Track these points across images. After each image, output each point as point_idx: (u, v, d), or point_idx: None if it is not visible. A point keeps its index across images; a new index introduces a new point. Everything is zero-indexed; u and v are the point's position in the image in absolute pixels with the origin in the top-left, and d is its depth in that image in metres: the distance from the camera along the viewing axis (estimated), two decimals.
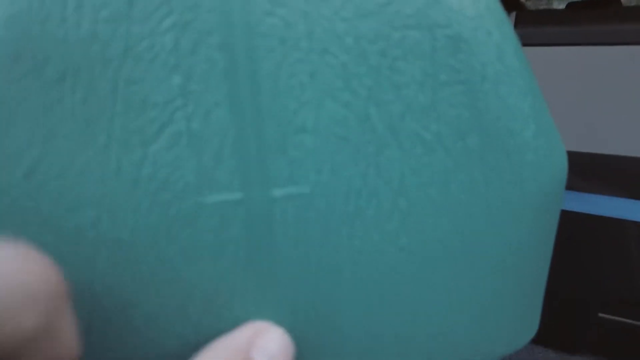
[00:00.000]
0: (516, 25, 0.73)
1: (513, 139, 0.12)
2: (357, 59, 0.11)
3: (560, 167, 0.14)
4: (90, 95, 0.10)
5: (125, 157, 0.11)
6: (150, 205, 0.11)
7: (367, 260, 0.12)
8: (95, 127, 0.11)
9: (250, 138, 0.11)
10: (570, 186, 0.72)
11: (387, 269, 0.12)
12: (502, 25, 0.12)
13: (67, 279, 0.12)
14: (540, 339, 0.88)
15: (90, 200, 0.11)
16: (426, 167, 0.12)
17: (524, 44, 0.72)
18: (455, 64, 0.11)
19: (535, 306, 0.15)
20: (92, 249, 0.11)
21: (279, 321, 0.12)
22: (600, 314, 0.75)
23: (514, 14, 0.74)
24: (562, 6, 2.16)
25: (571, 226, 0.72)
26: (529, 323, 0.15)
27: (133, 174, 0.11)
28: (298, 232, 0.12)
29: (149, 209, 0.11)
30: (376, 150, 0.11)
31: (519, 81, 0.12)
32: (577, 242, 0.72)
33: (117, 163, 0.11)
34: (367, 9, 0.11)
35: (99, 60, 0.10)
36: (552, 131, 0.14)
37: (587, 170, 0.71)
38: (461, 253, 0.13)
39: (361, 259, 0.12)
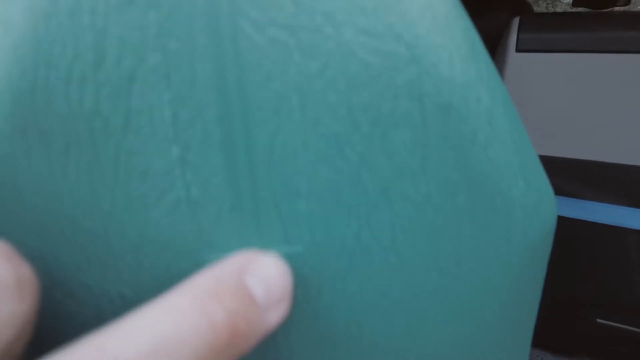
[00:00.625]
0: (520, 30, 0.73)
1: (502, 198, 0.13)
2: (349, 128, 0.11)
3: (549, 220, 0.14)
4: (93, 165, 0.11)
5: (127, 221, 0.11)
6: (152, 265, 0.12)
7: (360, 312, 0.13)
8: (99, 194, 0.11)
9: (246, 203, 0.11)
10: (571, 193, 0.73)
11: (379, 320, 0.13)
12: (492, 89, 0.12)
13: (75, 333, 0.12)
14: (538, 342, 0.89)
15: (95, 260, 0.12)
16: (416, 226, 0.12)
17: (527, 50, 0.72)
18: (445, 130, 0.12)
19: (523, 346, 0.16)
20: (96, 304, 0.12)
21: None
22: (599, 320, 0.76)
23: (517, 19, 0.74)
24: (569, 0, 2.14)
25: (572, 233, 0.72)
26: None
27: (135, 237, 0.11)
28: (292, 286, 0.12)
29: (151, 268, 0.12)
30: (368, 212, 0.12)
31: (508, 141, 0.13)
32: (577, 249, 0.73)
33: (120, 227, 0.11)
34: (360, 80, 0.11)
35: (102, 133, 0.11)
36: (542, 185, 0.14)
37: (587, 178, 0.71)
38: (451, 302, 0.13)
39: (354, 311, 0.13)
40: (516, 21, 0.74)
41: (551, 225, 0.14)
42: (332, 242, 0.12)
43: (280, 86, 0.11)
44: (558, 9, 2.23)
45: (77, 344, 0.09)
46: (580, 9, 1.93)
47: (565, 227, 0.73)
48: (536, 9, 2.22)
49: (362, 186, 0.12)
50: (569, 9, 2.13)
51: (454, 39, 0.12)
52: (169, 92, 0.11)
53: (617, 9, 2.35)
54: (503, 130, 0.12)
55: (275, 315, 0.11)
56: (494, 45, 0.99)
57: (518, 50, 0.72)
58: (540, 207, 0.14)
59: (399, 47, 0.11)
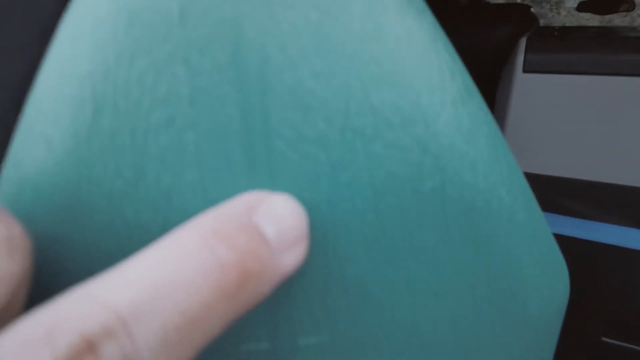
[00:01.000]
0: (527, 51, 0.73)
1: (519, 285, 0.13)
2: (376, 231, 0.12)
3: (563, 296, 0.15)
4: None
5: None
6: None
7: None
8: None
9: (280, 302, 0.12)
10: (577, 213, 0.73)
11: None
12: (513, 186, 0.13)
13: None
14: None
15: None
16: (438, 314, 0.13)
17: (535, 71, 0.72)
18: (467, 229, 0.12)
19: None
20: None
21: None
22: (604, 338, 0.76)
23: (524, 39, 0.74)
24: (574, 5, 2.14)
25: (578, 253, 0.73)
26: None
27: None
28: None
29: None
30: (392, 304, 0.13)
31: (527, 233, 0.13)
32: (583, 268, 0.73)
33: None
34: (387, 188, 0.12)
35: (141, 242, 0.12)
36: (558, 266, 0.15)
37: (594, 199, 0.71)
38: None
39: None
40: (523, 41, 0.74)
41: (564, 300, 0.15)
42: (356, 332, 0.13)
43: (311, 196, 0.12)
44: (562, 12, 2.22)
45: (66, 293, 0.08)
46: (584, 14, 1.92)
47: (571, 247, 0.73)
48: (539, 10, 2.21)
49: (387, 281, 0.12)
50: (573, 13, 2.12)
51: (478, 145, 0.12)
52: (205, 204, 0.11)
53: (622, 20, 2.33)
54: (523, 224, 0.13)
55: (291, 258, 0.10)
56: (500, 59, 0.99)
57: (525, 71, 0.72)
58: (555, 287, 0.14)
59: (424, 158, 0.12)
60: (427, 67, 0.12)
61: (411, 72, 0.11)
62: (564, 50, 0.70)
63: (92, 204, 0.11)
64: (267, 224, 0.10)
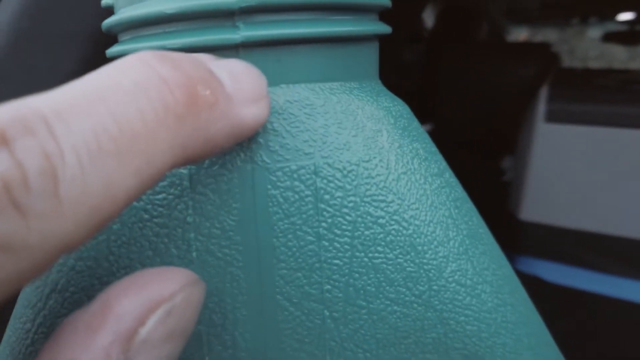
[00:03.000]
0: (549, 100, 0.72)
1: None
2: None
3: None
4: None
5: None
6: None
7: None
8: None
9: None
10: (595, 266, 0.71)
11: None
12: (517, 330, 0.13)
13: None
14: None
15: None
16: None
17: (556, 121, 0.71)
18: None
19: None
20: None
21: None
22: None
23: (545, 89, 0.74)
24: (597, 35, 2.11)
25: (594, 307, 0.71)
26: None
27: None
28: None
29: None
30: None
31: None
32: (606, 327, 0.71)
33: None
34: (389, 341, 0.12)
35: None
36: None
37: (616, 253, 0.69)
38: None
39: None
40: (545, 90, 0.74)
41: None
42: None
43: (315, 348, 0.12)
44: (586, 42, 2.20)
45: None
46: (610, 42, 1.89)
47: (588, 301, 0.71)
48: (562, 36, 2.19)
49: None
50: (596, 45, 2.10)
51: (481, 296, 0.12)
52: None
53: None
54: (527, 352, 0.13)
55: (250, 112, 0.10)
56: (521, 101, 0.98)
57: (547, 120, 0.71)
58: None
59: (427, 312, 0.12)
60: (430, 223, 0.12)
61: (414, 231, 0.12)
62: (587, 100, 0.70)
63: None
64: (221, 70, 0.10)
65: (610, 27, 1.57)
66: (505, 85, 0.98)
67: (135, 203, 0.12)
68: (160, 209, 0.12)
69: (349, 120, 0.12)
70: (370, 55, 0.14)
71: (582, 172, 0.70)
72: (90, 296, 0.12)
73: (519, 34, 2.08)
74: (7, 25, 0.23)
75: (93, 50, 0.22)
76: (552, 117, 0.71)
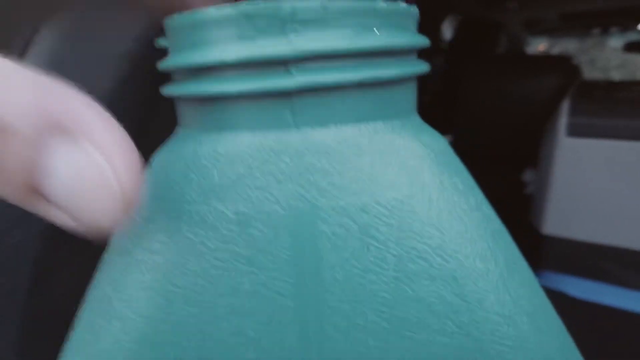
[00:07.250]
0: (570, 114, 0.72)
1: None
2: None
3: None
4: None
5: None
6: None
7: None
8: None
9: None
10: (621, 282, 0.70)
11: None
12: (551, 356, 0.13)
13: None
14: None
15: None
16: None
17: (578, 135, 0.71)
18: None
19: None
20: None
21: None
22: None
23: (567, 103, 0.73)
24: (619, 45, 2.09)
25: (619, 323, 0.69)
26: None
27: None
28: None
29: None
30: None
31: None
32: (627, 339, 0.70)
33: None
34: None
35: None
36: None
37: (636, 267, 0.68)
38: None
39: None
40: (566, 104, 0.73)
41: None
42: None
43: None
44: (607, 52, 2.17)
45: None
46: (629, 53, 1.87)
47: (612, 317, 0.70)
48: (582, 46, 2.17)
49: None
50: (617, 55, 2.07)
51: (519, 325, 0.13)
52: None
53: None
54: None
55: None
56: (541, 113, 0.98)
57: (569, 134, 0.71)
58: None
59: (467, 341, 0.12)
60: (470, 256, 0.12)
61: (456, 264, 0.12)
62: (609, 114, 0.69)
63: None
64: None
65: (631, 37, 1.55)
66: (526, 97, 0.97)
67: (193, 237, 0.13)
68: (217, 242, 0.12)
69: (393, 158, 0.13)
70: (410, 93, 0.14)
71: (605, 186, 0.69)
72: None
73: (538, 44, 2.07)
74: (47, 55, 0.24)
75: (130, 69, 0.23)
76: (574, 131, 0.71)
